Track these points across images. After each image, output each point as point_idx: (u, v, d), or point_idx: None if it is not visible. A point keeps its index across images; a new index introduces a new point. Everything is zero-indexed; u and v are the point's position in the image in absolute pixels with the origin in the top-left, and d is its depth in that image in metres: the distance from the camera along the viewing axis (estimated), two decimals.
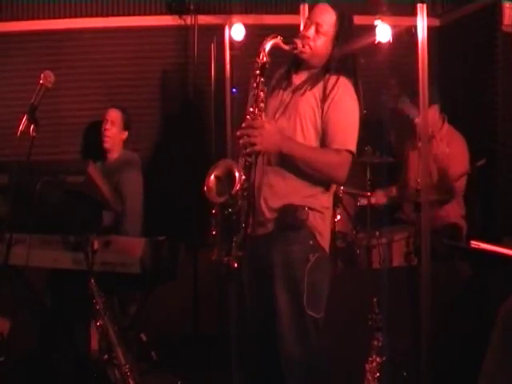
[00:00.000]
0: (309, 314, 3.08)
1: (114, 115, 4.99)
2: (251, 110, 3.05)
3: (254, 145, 2.97)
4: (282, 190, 3.13)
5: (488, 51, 5.20)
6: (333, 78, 3.12)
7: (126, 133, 5.03)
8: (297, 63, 3.26)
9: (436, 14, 5.80)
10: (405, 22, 5.03)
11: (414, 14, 4.01)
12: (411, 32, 4.37)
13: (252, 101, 3.06)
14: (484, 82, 5.30)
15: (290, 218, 3.10)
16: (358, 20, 5.26)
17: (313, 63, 3.19)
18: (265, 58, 3.04)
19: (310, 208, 3.12)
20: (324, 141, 3.10)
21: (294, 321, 3.08)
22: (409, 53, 4.29)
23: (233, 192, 2.95)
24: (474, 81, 5.44)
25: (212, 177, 3.03)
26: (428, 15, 3.98)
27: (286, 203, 3.12)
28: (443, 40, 5.73)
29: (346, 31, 3.18)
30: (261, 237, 3.15)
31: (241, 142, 3.00)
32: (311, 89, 3.14)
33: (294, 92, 3.19)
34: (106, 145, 4.96)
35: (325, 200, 3.19)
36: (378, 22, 5.20)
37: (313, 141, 3.12)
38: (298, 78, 3.23)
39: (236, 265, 3.02)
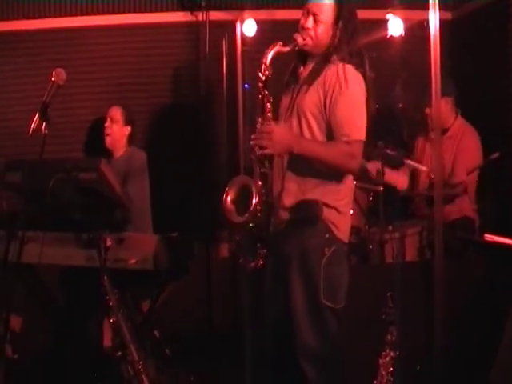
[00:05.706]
0: (325, 304, 3.06)
1: (114, 112, 4.93)
2: (259, 119, 3.08)
3: (265, 148, 2.98)
4: (295, 189, 3.12)
5: (500, 44, 5.18)
6: (333, 67, 3.07)
7: (129, 127, 4.94)
8: (303, 56, 3.23)
9: (448, 7, 5.76)
10: (417, 15, 5.03)
11: (425, 7, 3.99)
12: (423, 26, 4.35)
13: (259, 111, 3.09)
14: (497, 75, 5.27)
15: (305, 214, 3.10)
16: (370, 14, 5.36)
17: (317, 53, 3.15)
18: (267, 71, 3.05)
19: (324, 204, 3.10)
20: (332, 134, 3.07)
21: (310, 311, 3.07)
22: (421, 47, 4.26)
23: (251, 209, 2.98)
24: (486, 74, 5.41)
25: (229, 197, 3.07)
26: (440, 8, 3.95)
27: (299, 200, 3.11)
28: (455, 33, 5.70)
29: (345, 16, 3.12)
30: (278, 234, 3.16)
31: (253, 148, 3.03)
32: (312, 83, 3.10)
33: (300, 88, 3.17)
34: (108, 143, 4.93)
35: (341, 195, 3.15)
36: (389, 16, 5.21)
37: (320, 139, 3.10)
38: (305, 72, 3.20)
39: (261, 262, 3.08)
